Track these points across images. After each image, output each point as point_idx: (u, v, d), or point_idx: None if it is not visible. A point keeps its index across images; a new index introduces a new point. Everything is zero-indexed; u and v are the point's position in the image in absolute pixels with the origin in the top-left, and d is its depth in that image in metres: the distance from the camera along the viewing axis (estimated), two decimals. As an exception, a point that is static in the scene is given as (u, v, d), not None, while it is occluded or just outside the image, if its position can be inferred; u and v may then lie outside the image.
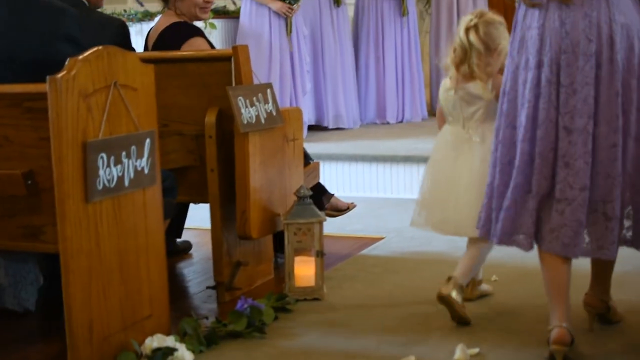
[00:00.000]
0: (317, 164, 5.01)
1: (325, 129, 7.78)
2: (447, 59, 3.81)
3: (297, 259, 3.99)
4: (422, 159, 6.36)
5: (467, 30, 3.69)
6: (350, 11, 8.39)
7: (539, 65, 3.16)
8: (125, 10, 7.39)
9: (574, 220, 3.11)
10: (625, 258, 3.50)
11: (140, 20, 7.16)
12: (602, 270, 3.50)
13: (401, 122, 8.19)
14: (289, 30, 7.24)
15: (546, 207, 3.18)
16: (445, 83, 3.84)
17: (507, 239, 3.25)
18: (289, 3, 7.15)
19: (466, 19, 3.75)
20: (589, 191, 3.11)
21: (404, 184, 6.44)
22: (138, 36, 6.39)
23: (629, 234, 3.21)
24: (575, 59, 3.10)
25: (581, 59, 3.10)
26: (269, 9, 7.19)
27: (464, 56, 3.70)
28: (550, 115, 3.13)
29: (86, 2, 4.31)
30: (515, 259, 4.23)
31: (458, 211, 3.71)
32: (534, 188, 3.17)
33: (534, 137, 3.16)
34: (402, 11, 8.14)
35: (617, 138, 3.09)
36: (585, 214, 3.11)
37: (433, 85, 8.45)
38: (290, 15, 7.21)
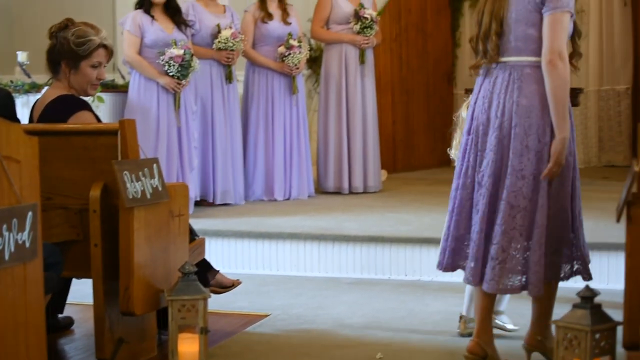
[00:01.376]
0: (203, 240, 4.98)
1: (212, 204, 7.76)
2: None
3: (181, 336, 3.94)
4: (308, 236, 6.40)
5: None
6: (240, 88, 8.44)
7: (469, 132, 3.99)
8: (11, 81, 7.28)
9: (473, 258, 3.91)
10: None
11: (27, 91, 7.06)
12: (537, 308, 4.09)
13: (288, 199, 8.21)
14: (177, 106, 7.25)
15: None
16: None
17: (450, 268, 4.15)
18: (177, 78, 7.16)
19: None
20: (486, 233, 3.91)
21: (289, 261, 6.45)
22: (24, 108, 6.29)
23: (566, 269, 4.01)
24: (487, 130, 3.91)
25: (490, 131, 3.90)
26: (157, 83, 7.19)
27: None
28: (469, 173, 3.98)
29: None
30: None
31: None
32: (459, 229, 4.06)
33: (457, 188, 4.06)
34: (292, 89, 8.22)
35: (509, 195, 3.87)
36: (482, 252, 3.89)
37: (320, 163, 8.52)
38: (179, 90, 7.22)
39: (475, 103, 4.00)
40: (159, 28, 7.22)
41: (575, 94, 8.73)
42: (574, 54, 4.01)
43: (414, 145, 10.65)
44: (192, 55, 7.21)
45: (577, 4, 10.49)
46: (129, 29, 7.20)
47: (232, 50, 7.77)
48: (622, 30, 10.62)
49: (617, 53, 10.65)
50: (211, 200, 7.77)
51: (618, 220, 3.48)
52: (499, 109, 3.90)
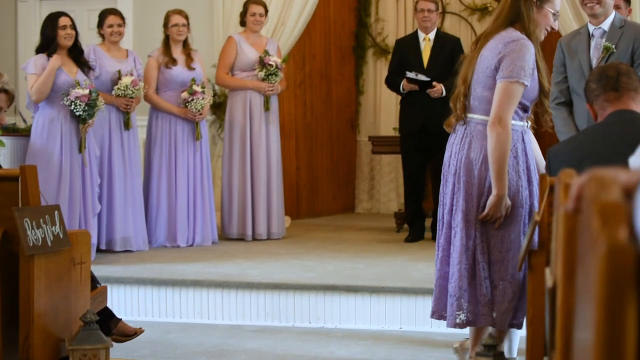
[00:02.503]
0: (105, 288, 4.91)
1: (113, 251, 7.66)
2: None
3: (82, 386, 3.87)
4: (211, 283, 6.35)
5: None
6: (143, 133, 8.38)
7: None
8: None
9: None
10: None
11: None
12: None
13: (191, 245, 8.15)
14: (82, 147, 7.14)
15: None
16: None
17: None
18: (84, 119, 7.06)
19: None
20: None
21: (193, 308, 6.38)
22: None
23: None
24: (447, 178, 4.31)
25: (449, 178, 4.29)
26: (61, 126, 7.09)
27: None
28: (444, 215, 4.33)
29: None
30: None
31: None
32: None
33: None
34: (195, 135, 8.20)
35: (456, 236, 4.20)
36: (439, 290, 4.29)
37: (224, 209, 8.49)
38: (83, 133, 7.13)
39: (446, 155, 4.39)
40: (62, 71, 7.13)
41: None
42: (544, 113, 4.22)
43: (317, 192, 10.69)
44: (98, 95, 7.14)
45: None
46: (34, 72, 7.09)
47: (132, 97, 7.73)
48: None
49: (516, 102, 10.87)
50: (109, 247, 7.67)
51: (520, 268, 3.54)
52: (454, 159, 4.26)
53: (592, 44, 5.50)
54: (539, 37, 4.12)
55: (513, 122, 4.08)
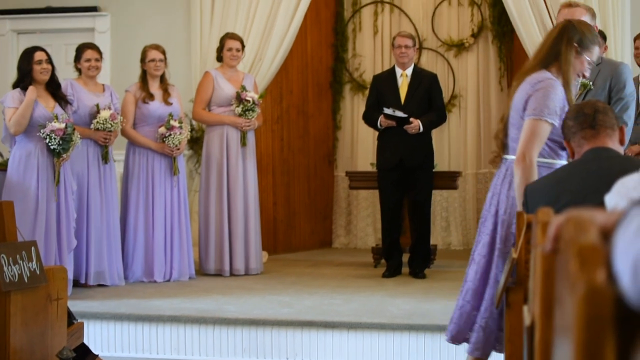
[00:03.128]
0: (81, 324, 4.89)
1: (88, 286, 7.61)
2: None
3: None
4: (188, 319, 6.32)
5: None
6: (120, 167, 8.37)
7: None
8: None
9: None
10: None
11: None
12: None
13: (169, 280, 8.12)
14: (57, 181, 7.12)
15: None
16: None
17: None
18: (58, 153, 7.04)
19: None
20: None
21: (170, 344, 6.35)
22: None
23: None
24: (486, 216, 4.46)
25: (488, 216, 4.44)
26: (37, 160, 7.07)
27: None
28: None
29: None
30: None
31: None
32: None
33: None
34: (173, 170, 8.19)
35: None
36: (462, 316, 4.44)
37: (202, 244, 8.46)
38: (57, 167, 7.10)
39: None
40: (39, 105, 7.12)
41: (453, 178, 8.93)
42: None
43: (294, 227, 10.68)
44: (74, 129, 7.12)
45: (456, 88, 10.81)
46: (11, 105, 7.07)
47: (110, 131, 7.72)
48: (499, 114, 10.91)
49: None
50: (83, 281, 7.63)
51: (497, 306, 3.55)
52: (495, 198, 4.41)
53: None
54: (571, 80, 4.22)
55: (550, 160, 4.20)
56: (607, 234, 1.41)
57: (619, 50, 8.58)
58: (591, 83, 5.43)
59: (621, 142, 3.68)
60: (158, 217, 8.11)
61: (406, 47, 8.41)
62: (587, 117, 3.63)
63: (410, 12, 11.14)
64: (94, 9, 9.85)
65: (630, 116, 5.37)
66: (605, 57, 5.76)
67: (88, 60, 7.89)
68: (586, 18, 5.48)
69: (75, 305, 5.92)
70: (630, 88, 5.44)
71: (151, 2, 9.81)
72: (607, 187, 3.39)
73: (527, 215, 3.35)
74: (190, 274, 8.27)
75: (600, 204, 3.33)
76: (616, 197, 2.38)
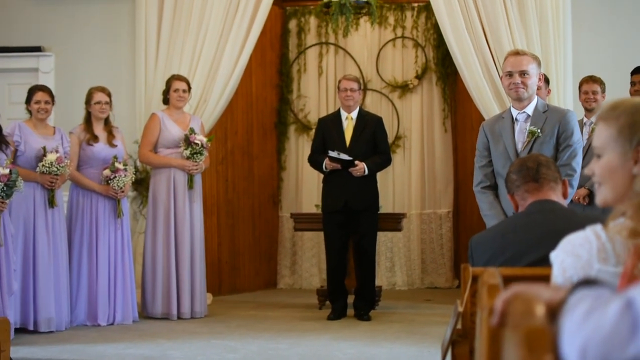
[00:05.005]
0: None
1: (34, 331, 7.50)
2: None
3: None
4: (133, 366, 6.27)
5: None
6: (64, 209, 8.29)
7: None
8: None
9: None
10: None
11: None
12: None
13: (112, 324, 8.03)
14: (-5, 225, 7.02)
15: None
16: None
17: None
18: (1, 198, 6.94)
19: None
20: None
21: (113, 390, 6.28)
22: None
23: None
24: None
25: None
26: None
27: None
28: None
29: None
30: None
31: None
32: None
33: None
34: (117, 213, 8.13)
35: None
36: None
37: (147, 288, 8.38)
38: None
39: None
40: (-20, 149, 7.04)
41: (398, 220, 8.98)
42: None
43: (239, 268, 10.65)
44: (17, 175, 7.03)
45: (401, 129, 10.89)
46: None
47: (57, 175, 7.65)
48: (443, 155, 11.02)
49: (439, 177, 11.03)
50: (32, 328, 7.51)
51: (443, 358, 3.56)
52: None
53: (517, 128, 5.60)
54: None
55: None
56: (552, 312, 1.43)
57: (562, 94, 8.72)
58: (539, 130, 5.48)
59: (564, 195, 3.73)
60: (102, 260, 8.04)
61: (352, 90, 8.47)
62: (530, 170, 3.67)
63: (354, 54, 11.21)
64: (38, 49, 9.78)
65: (578, 163, 5.45)
66: (551, 105, 5.83)
67: (38, 102, 7.83)
68: (533, 66, 5.56)
69: (18, 352, 5.85)
70: (577, 135, 5.52)
71: (96, 43, 9.77)
72: (551, 239, 3.43)
73: (473, 269, 3.37)
74: (133, 317, 8.20)
75: (545, 257, 3.37)
76: (562, 254, 2.41)
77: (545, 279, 3.08)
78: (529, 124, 5.55)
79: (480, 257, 3.60)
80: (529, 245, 3.46)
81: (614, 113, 2.38)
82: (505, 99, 8.69)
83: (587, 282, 1.72)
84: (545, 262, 3.16)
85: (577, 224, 3.45)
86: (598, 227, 2.37)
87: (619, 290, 2.24)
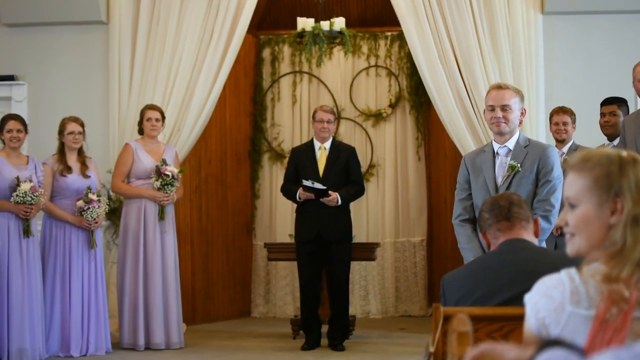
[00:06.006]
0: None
1: (7, 362, 7.46)
2: None
3: None
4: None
5: None
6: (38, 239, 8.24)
7: None
8: None
9: None
10: None
11: None
12: None
13: (85, 355, 7.98)
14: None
15: None
16: None
17: None
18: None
19: None
20: None
21: None
22: None
23: None
24: None
25: None
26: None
27: None
28: None
29: None
30: None
31: None
32: None
33: None
34: (91, 244, 8.09)
35: None
36: None
37: (119, 317, 8.34)
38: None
39: None
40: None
41: (371, 249, 8.99)
42: None
43: (213, 296, 10.62)
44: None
45: (374, 158, 10.92)
46: None
47: (31, 204, 7.61)
48: (417, 183, 11.06)
49: (412, 206, 11.06)
50: (5, 359, 7.45)
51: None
52: None
53: (497, 162, 5.58)
54: None
55: None
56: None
57: (534, 124, 8.80)
58: (519, 165, 5.48)
59: (536, 234, 3.75)
60: (75, 290, 8.00)
61: (328, 121, 8.51)
62: (502, 209, 3.69)
63: (328, 83, 11.25)
64: (10, 77, 9.75)
65: (557, 199, 5.41)
66: (532, 140, 5.81)
67: (10, 131, 7.80)
68: (515, 100, 5.55)
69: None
70: (557, 171, 5.50)
71: (69, 72, 9.74)
72: (522, 279, 3.46)
73: (444, 309, 3.38)
74: (107, 347, 8.15)
75: (516, 296, 3.39)
76: (536, 295, 2.43)
77: (516, 318, 3.11)
78: (509, 158, 5.54)
79: (452, 295, 3.61)
80: (500, 285, 3.47)
81: (588, 164, 2.41)
82: (479, 129, 8.75)
83: (553, 343, 1.73)
84: (516, 301, 3.19)
85: (549, 264, 3.49)
86: (572, 270, 2.39)
87: (589, 335, 2.26)
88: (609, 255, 2.34)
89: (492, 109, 5.54)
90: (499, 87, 5.63)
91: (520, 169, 5.47)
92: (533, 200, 5.43)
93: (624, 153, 2.41)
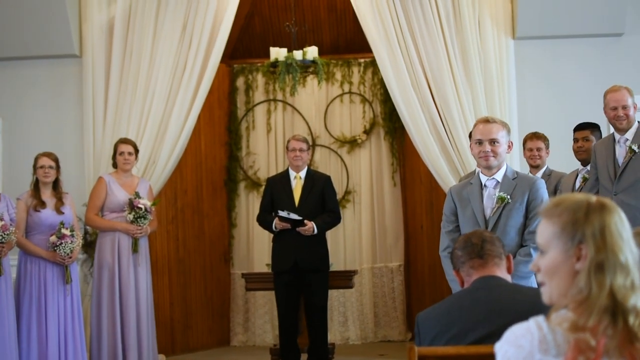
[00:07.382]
0: None
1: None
2: None
3: None
4: None
5: None
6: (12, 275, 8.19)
7: None
8: None
9: None
10: None
11: None
12: None
13: (63, 390, 7.95)
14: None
15: None
16: None
17: None
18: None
19: None
20: None
21: None
22: None
23: None
24: None
25: None
26: None
27: None
28: None
29: None
30: None
31: None
32: None
33: None
34: (66, 279, 8.05)
35: None
36: None
37: (94, 352, 8.28)
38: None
39: None
40: None
41: (348, 277, 8.99)
42: None
43: (192, 326, 10.59)
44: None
45: (350, 184, 10.93)
46: None
47: (2, 243, 7.57)
48: (393, 209, 11.09)
49: (389, 231, 11.08)
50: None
51: None
52: None
53: (485, 193, 5.56)
54: None
55: None
56: None
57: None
58: (508, 197, 5.48)
59: (509, 271, 3.76)
60: (51, 327, 7.94)
61: (300, 150, 8.52)
62: (475, 246, 3.71)
63: (302, 110, 11.28)
64: (-17, 112, 9.72)
65: None
66: (520, 173, 5.81)
67: None
68: (502, 134, 5.54)
69: None
70: None
71: (44, 106, 9.68)
72: (496, 316, 3.48)
73: (418, 349, 3.39)
74: (84, 382, 8.10)
75: (490, 334, 3.41)
76: (505, 345, 2.43)
77: (490, 357, 3.12)
78: (498, 190, 5.54)
79: (427, 333, 3.62)
80: (474, 323, 3.49)
81: (557, 210, 2.43)
82: (453, 155, 8.78)
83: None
84: (491, 339, 3.20)
85: (521, 301, 3.51)
86: (540, 318, 2.40)
87: None
88: (576, 302, 2.36)
89: (480, 142, 5.52)
90: (487, 120, 5.60)
91: (509, 201, 5.47)
92: (524, 232, 5.44)
93: (593, 199, 2.43)
